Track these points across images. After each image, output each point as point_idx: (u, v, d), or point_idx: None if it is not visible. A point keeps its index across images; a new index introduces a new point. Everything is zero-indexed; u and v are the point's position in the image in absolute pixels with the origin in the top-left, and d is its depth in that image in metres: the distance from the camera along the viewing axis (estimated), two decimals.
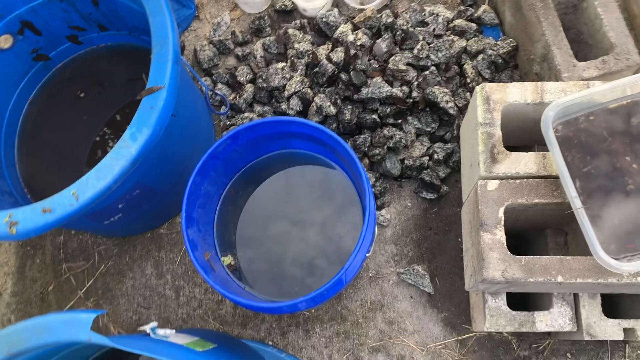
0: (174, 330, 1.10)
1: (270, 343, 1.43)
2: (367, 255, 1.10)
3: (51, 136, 1.59)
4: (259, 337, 1.43)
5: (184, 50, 1.69)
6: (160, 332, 1.06)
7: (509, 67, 1.50)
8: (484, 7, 1.55)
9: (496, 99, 1.03)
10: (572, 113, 0.97)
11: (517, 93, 1.03)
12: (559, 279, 0.92)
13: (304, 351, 1.41)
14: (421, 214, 1.47)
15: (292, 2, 1.62)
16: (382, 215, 1.45)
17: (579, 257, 0.93)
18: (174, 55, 1.09)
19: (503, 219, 0.97)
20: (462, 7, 1.57)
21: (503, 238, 0.96)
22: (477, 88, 1.05)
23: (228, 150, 1.16)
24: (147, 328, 1.04)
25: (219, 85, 1.60)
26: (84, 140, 1.64)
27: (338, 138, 1.05)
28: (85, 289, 1.53)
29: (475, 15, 1.55)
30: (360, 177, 1.06)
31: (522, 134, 1.14)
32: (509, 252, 0.95)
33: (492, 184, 0.99)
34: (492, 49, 1.49)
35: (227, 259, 1.23)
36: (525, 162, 0.99)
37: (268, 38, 1.60)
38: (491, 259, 0.94)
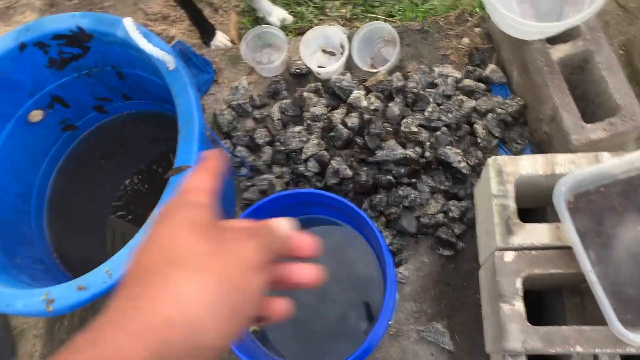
0: None
1: None
2: (389, 322, 1.13)
3: (77, 200, 1.66)
4: None
5: (204, 114, 1.75)
6: None
7: (519, 124, 1.55)
8: (492, 66, 1.61)
9: (509, 171, 1.08)
10: (583, 185, 1.01)
11: (528, 165, 1.07)
12: (578, 349, 0.95)
13: None
14: (439, 270, 1.51)
15: (306, 66, 1.69)
16: (400, 273, 1.49)
17: (597, 327, 0.96)
18: (199, 136, 1.15)
19: (521, 289, 1.00)
20: (470, 67, 1.63)
21: (522, 309, 0.99)
22: (489, 160, 1.09)
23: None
24: None
25: (239, 148, 1.66)
26: (107, 201, 1.70)
27: (360, 211, 1.10)
28: None
29: (484, 74, 1.60)
30: (380, 247, 1.10)
31: (535, 199, 1.18)
32: (528, 323, 0.98)
33: (509, 255, 1.03)
34: (501, 108, 1.54)
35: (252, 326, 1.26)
36: (539, 234, 1.03)
37: (284, 101, 1.67)
38: (511, 330, 0.97)
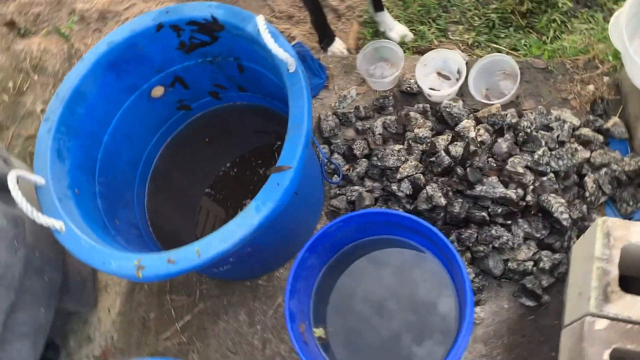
0: None
1: None
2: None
3: (177, 175, 1.75)
4: None
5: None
6: None
7: (634, 184, 1.45)
8: (615, 119, 1.52)
9: (617, 236, 1.01)
10: None
11: None
12: None
13: None
14: (517, 319, 1.44)
15: (418, 86, 1.68)
16: (476, 313, 1.44)
17: None
18: (305, 140, 1.18)
19: None
20: (590, 117, 1.55)
21: None
22: (599, 220, 1.03)
23: (339, 230, 1.22)
24: None
25: (335, 155, 1.68)
26: (204, 181, 1.78)
27: (449, 244, 1.08)
28: (183, 323, 1.64)
29: (604, 127, 1.52)
30: (463, 282, 1.07)
31: (632, 270, 1.10)
32: None
33: (601, 323, 0.97)
34: (617, 164, 1.45)
35: (319, 332, 1.28)
36: None
37: (389, 117, 1.67)
38: None
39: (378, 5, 1.83)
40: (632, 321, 0.96)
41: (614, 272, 0.99)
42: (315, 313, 1.31)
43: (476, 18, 1.89)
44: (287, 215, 1.33)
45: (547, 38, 1.76)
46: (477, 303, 1.46)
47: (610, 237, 1.01)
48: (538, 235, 1.43)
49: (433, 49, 1.76)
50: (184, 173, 1.76)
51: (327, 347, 1.28)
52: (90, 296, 1.69)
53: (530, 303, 1.42)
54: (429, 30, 1.92)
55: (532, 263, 1.43)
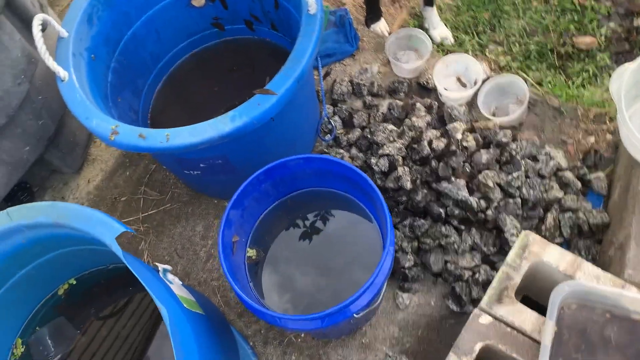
0: (180, 282, 1.26)
1: (251, 344, 1.54)
2: (376, 302, 1.18)
3: (192, 86, 1.84)
4: (246, 334, 1.55)
5: (327, 76, 1.88)
6: (170, 276, 1.23)
7: (592, 238, 1.49)
8: (600, 174, 1.55)
9: (532, 251, 1.06)
10: (593, 301, 0.98)
11: (554, 256, 1.05)
12: None
13: None
14: (438, 318, 1.50)
15: (434, 84, 1.74)
16: (401, 297, 1.51)
17: None
18: (298, 75, 1.26)
19: (476, 353, 1.00)
20: (579, 164, 1.58)
21: None
22: (523, 232, 1.09)
23: (298, 167, 1.30)
24: (161, 267, 1.21)
25: (336, 118, 1.76)
26: (216, 103, 1.87)
27: (370, 182, 1.16)
28: (146, 214, 1.76)
29: (588, 177, 1.55)
30: (385, 219, 1.15)
31: (538, 289, 1.15)
32: None
33: (485, 319, 1.03)
34: (584, 214, 1.49)
35: (252, 252, 1.37)
36: (525, 318, 1.01)
37: (397, 101, 1.73)
38: None
39: (428, 0, 1.89)
40: (513, 326, 1.02)
41: (516, 280, 1.04)
42: (255, 236, 1.40)
43: (517, 44, 1.93)
44: (260, 138, 1.42)
45: (573, 84, 1.79)
46: (407, 290, 1.52)
47: (527, 249, 1.07)
48: (485, 250, 1.48)
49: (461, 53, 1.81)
50: (200, 88, 1.86)
51: (253, 268, 1.37)
52: (76, 161, 1.82)
53: (454, 307, 1.47)
54: (469, 41, 1.97)
55: (470, 272, 1.48)
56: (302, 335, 1.53)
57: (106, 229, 1.13)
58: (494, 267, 1.48)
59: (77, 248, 1.34)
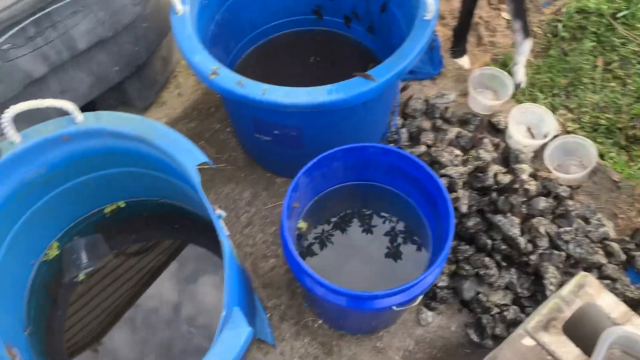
0: (227, 232, 1.28)
1: (268, 315, 1.55)
2: (414, 302, 1.20)
3: (274, 63, 1.89)
4: (266, 304, 1.56)
5: (404, 90, 1.93)
6: (222, 222, 1.25)
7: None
8: None
9: (588, 292, 1.08)
10: (638, 351, 0.99)
11: (608, 302, 1.07)
12: None
13: (283, 344, 1.50)
14: (455, 344, 1.51)
15: (506, 125, 1.78)
16: (425, 313, 1.52)
17: None
18: (400, 70, 1.31)
19: None
20: (626, 238, 1.60)
21: None
22: (582, 273, 1.11)
23: (368, 153, 1.33)
24: (218, 210, 1.24)
25: (403, 130, 1.80)
26: (288, 81, 1.92)
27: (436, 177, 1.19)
28: (199, 167, 1.79)
29: (632, 254, 1.57)
30: (448, 222, 1.17)
31: (579, 330, 1.16)
32: None
33: (529, 341, 1.04)
34: (622, 286, 1.50)
35: (304, 224, 1.39)
36: (568, 350, 1.02)
37: (466, 132, 1.78)
38: None
39: (526, 31, 1.86)
40: (554, 356, 1.03)
41: (567, 313, 1.06)
42: (310, 210, 1.42)
43: (587, 115, 1.98)
44: (339, 120, 1.46)
45: (636, 165, 1.83)
46: (432, 309, 1.53)
47: (582, 289, 1.09)
48: (520, 291, 1.50)
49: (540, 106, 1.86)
50: (281, 66, 1.90)
51: (299, 240, 1.39)
52: (148, 98, 1.86)
53: (475, 338, 1.48)
54: (543, 99, 2.02)
55: (497, 309, 1.50)
56: (320, 322, 1.54)
57: (190, 155, 1.17)
58: (524, 310, 1.49)
59: (141, 170, 1.37)
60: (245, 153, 1.82)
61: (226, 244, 1.07)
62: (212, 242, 1.46)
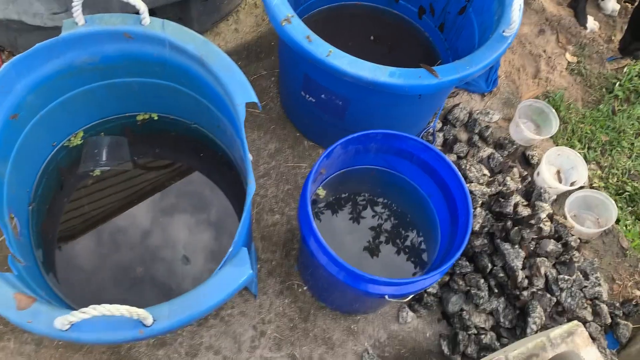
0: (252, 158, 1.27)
1: (259, 266, 1.57)
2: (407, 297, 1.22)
3: (335, 30, 1.86)
4: (259, 255, 1.58)
5: (452, 97, 1.93)
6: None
7: None
8: (629, 324, 1.60)
9: (576, 341, 1.11)
10: None
11: (591, 358, 1.10)
12: None
13: (263, 297, 1.53)
14: (424, 350, 1.54)
15: (539, 162, 1.79)
16: (406, 312, 1.55)
17: None
18: (463, 75, 1.31)
19: None
20: (617, 304, 1.62)
21: None
22: (575, 322, 1.13)
23: (405, 145, 1.34)
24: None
25: (440, 134, 1.80)
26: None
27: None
28: None
29: (617, 320, 1.60)
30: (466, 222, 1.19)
31: None
32: None
33: None
34: (599, 347, 1.53)
35: (323, 192, 1.40)
36: None
37: (499, 155, 1.78)
38: None
39: None
40: None
41: (549, 354, 1.08)
42: (332, 181, 1.44)
43: (615, 178, 1.99)
44: (389, 105, 1.46)
45: None
46: (414, 310, 1.56)
47: (571, 336, 1.11)
48: (501, 321, 1.52)
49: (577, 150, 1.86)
50: (341, 36, 1.87)
51: (315, 203, 1.41)
52: (207, 23, 1.86)
53: (445, 350, 1.51)
54: (579, 149, 2.02)
55: (475, 331, 1.52)
56: (305, 288, 1.56)
57: (242, 91, 1.17)
58: (499, 339, 1.52)
59: (186, 91, 1.37)
60: (282, 107, 1.82)
61: (252, 186, 1.08)
62: (227, 182, 1.48)
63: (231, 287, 1.01)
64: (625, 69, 2.27)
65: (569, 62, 2.26)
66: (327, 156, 1.29)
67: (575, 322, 1.14)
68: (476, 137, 1.84)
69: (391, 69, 1.29)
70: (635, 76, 2.24)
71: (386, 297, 1.21)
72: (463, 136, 1.85)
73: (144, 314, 0.93)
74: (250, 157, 1.25)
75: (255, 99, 1.16)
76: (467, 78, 1.33)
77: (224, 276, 1.02)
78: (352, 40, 1.87)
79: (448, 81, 1.30)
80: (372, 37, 1.90)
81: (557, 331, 1.12)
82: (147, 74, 1.36)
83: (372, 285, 1.20)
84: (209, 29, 1.90)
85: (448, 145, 1.79)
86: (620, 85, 2.21)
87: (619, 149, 2.08)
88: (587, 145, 2.05)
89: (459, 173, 1.28)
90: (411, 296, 1.28)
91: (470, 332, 1.52)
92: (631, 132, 2.11)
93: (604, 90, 2.21)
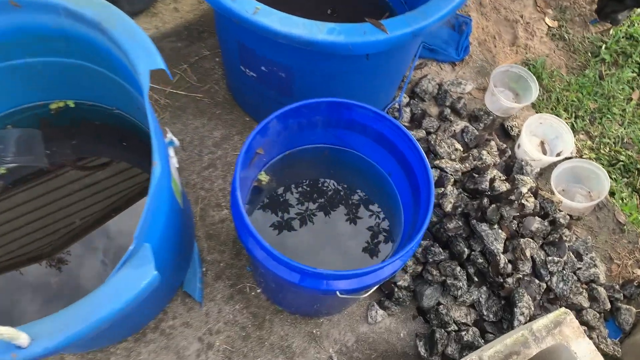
0: (177, 165, 1.10)
1: (204, 269, 1.37)
2: (366, 293, 1.03)
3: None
4: (204, 258, 1.39)
5: (419, 68, 1.73)
6: (171, 151, 1.07)
7: None
8: (632, 308, 1.40)
9: (564, 332, 0.91)
10: None
11: (584, 351, 0.90)
12: None
13: (210, 304, 1.33)
14: (397, 353, 1.34)
15: (519, 131, 1.60)
16: (376, 311, 1.35)
17: None
18: (418, 29, 1.12)
19: None
20: (616, 287, 1.43)
21: None
22: (562, 309, 0.94)
23: (353, 112, 1.15)
24: (169, 135, 1.06)
25: (407, 109, 1.61)
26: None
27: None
28: (174, 91, 1.60)
29: (618, 304, 1.40)
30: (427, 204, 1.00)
31: None
32: None
33: None
34: (598, 337, 1.34)
35: (265, 178, 1.21)
36: None
37: (473, 128, 1.59)
38: None
39: None
40: None
41: (532, 351, 0.89)
42: (276, 165, 1.24)
43: (607, 148, 1.80)
44: (335, 72, 1.28)
45: None
46: (385, 308, 1.36)
47: (559, 327, 0.91)
48: (484, 313, 1.32)
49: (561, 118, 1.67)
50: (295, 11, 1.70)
51: (256, 193, 1.21)
52: (140, 4, 1.67)
53: (422, 352, 1.31)
54: (565, 119, 1.83)
55: (455, 326, 1.33)
56: (259, 291, 1.37)
57: (146, 56, 0.97)
58: (484, 336, 1.32)
59: (95, 68, 1.18)
60: (229, 89, 1.63)
61: (157, 168, 0.89)
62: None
63: (131, 292, 0.81)
64: (611, 31, 2.08)
65: (549, 27, 2.07)
66: (261, 132, 1.09)
67: (563, 309, 0.95)
68: (448, 111, 1.64)
69: (330, 25, 1.10)
70: (623, 37, 2.05)
71: (337, 293, 1.01)
72: (433, 110, 1.66)
73: (10, 334, 0.73)
74: (175, 141, 1.06)
75: (162, 66, 0.97)
76: (420, 32, 1.14)
77: (122, 280, 0.82)
78: (308, 16, 1.68)
79: (398, 36, 1.11)
80: (329, 11, 1.71)
81: (541, 322, 0.93)
82: (50, 52, 1.16)
83: (319, 281, 1.00)
84: (144, 9, 1.71)
85: (416, 121, 1.60)
86: (606, 48, 2.02)
87: (610, 116, 1.88)
88: (574, 114, 1.86)
89: (416, 142, 1.08)
90: (372, 291, 1.08)
91: (449, 329, 1.32)
92: (622, 97, 1.92)
93: (589, 54, 2.02)
